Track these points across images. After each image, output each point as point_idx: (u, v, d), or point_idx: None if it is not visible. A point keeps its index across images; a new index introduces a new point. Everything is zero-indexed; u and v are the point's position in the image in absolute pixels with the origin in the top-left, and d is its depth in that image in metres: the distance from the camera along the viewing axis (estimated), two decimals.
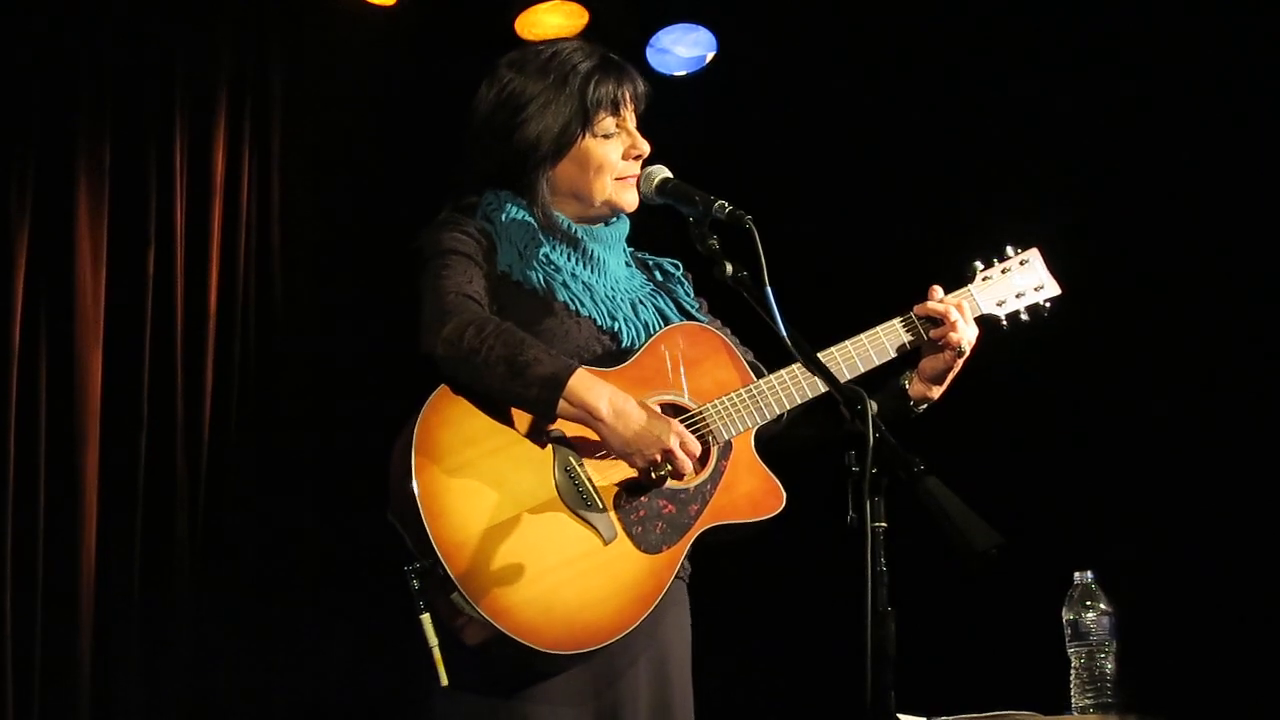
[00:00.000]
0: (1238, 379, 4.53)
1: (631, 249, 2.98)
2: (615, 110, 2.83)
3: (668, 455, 2.58)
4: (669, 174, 2.73)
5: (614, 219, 2.91)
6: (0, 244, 4.33)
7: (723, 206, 2.54)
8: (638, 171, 2.83)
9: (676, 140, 2.94)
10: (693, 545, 2.73)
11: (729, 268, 2.47)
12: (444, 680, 2.49)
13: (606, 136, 2.82)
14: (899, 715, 2.15)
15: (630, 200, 2.84)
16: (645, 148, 2.85)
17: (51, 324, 4.38)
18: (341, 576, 4.59)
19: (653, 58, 5.21)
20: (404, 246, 2.80)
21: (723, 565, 2.80)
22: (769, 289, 2.38)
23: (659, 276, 2.99)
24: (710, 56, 5.27)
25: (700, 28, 5.24)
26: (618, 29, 5.02)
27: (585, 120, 2.80)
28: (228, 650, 4.53)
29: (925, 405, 2.88)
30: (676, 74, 5.27)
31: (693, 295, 2.98)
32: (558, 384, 2.53)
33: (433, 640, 2.49)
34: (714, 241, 2.53)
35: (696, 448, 2.62)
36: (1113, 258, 4.64)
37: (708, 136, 4.91)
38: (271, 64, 4.94)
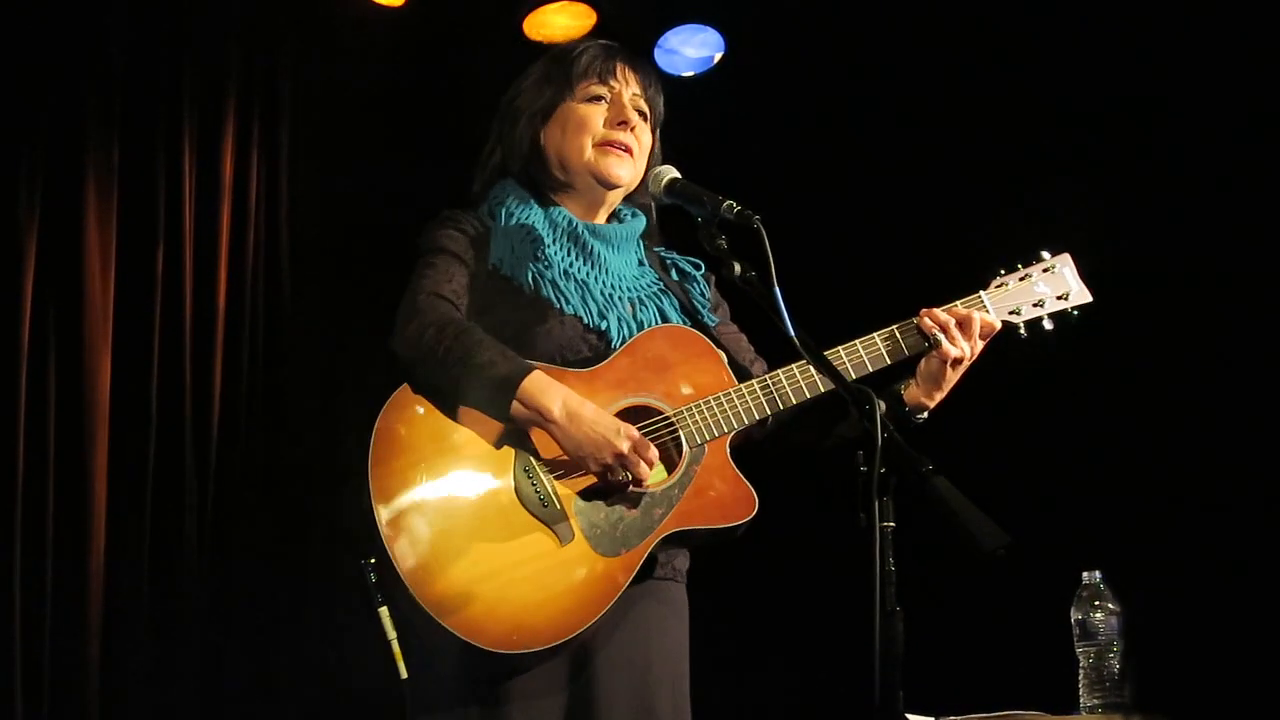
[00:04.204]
0: (1248, 377, 4.52)
1: (660, 248, 2.98)
2: (602, 79, 2.85)
3: (620, 459, 2.58)
4: (677, 174, 2.72)
5: (627, 214, 2.91)
6: (9, 243, 4.33)
7: (731, 206, 2.53)
8: (624, 141, 2.83)
9: (685, 140, 2.94)
10: (688, 549, 2.73)
11: (737, 268, 2.47)
12: (403, 673, 2.50)
13: (592, 100, 2.85)
14: (907, 715, 2.15)
15: (616, 172, 2.84)
16: (631, 117, 2.85)
17: (60, 323, 4.38)
18: (350, 576, 4.58)
19: (661, 58, 5.21)
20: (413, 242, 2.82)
21: (731, 565, 2.80)
22: (777, 289, 2.37)
23: (674, 276, 2.97)
24: (718, 57, 5.28)
25: (708, 28, 5.25)
26: (625, 29, 5.02)
27: (569, 82, 2.85)
28: (236, 649, 4.53)
29: (923, 414, 2.84)
30: (684, 74, 5.27)
31: (708, 296, 2.96)
32: (510, 385, 2.54)
33: (391, 633, 2.51)
34: (723, 241, 2.52)
35: (653, 454, 2.61)
36: (1123, 257, 4.63)
37: (716, 137, 4.90)
38: (280, 64, 4.95)
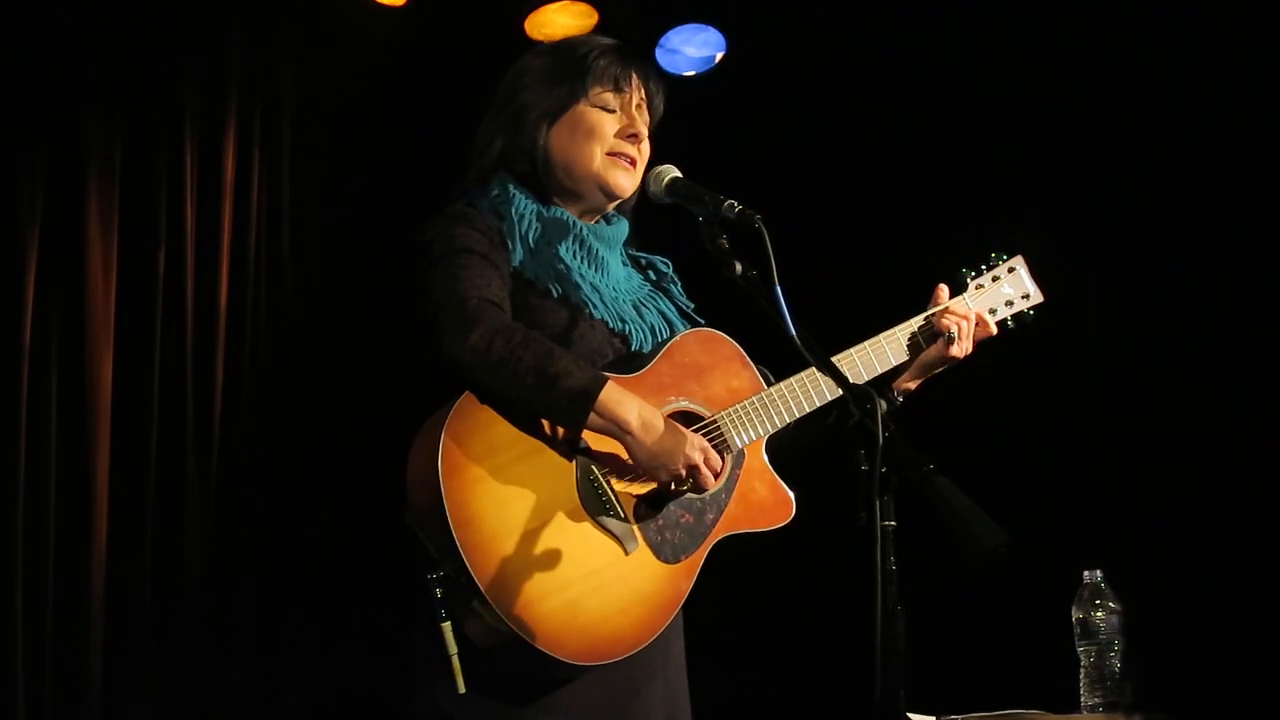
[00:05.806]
0: (1247, 378, 4.53)
1: (631, 248, 2.98)
2: (617, 87, 2.83)
3: (691, 470, 2.59)
4: (678, 173, 2.72)
5: (615, 218, 2.91)
6: (12, 246, 4.34)
7: (732, 206, 2.54)
8: (632, 154, 2.82)
9: (685, 140, 2.94)
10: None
11: (738, 267, 2.46)
12: (461, 688, 2.48)
13: (604, 109, 2.83)
14: (908, 714, 2.15)
15: (622, 183, 2.82)
16: (642, 130, 2.84)
17: (63, 325, 4.39)
18: (351, 577, 4.59)
19: (662, 58, 5.21)
20: (410, 236, 2.78)
21: (732, 564, 2.80)
22: (778, 288, 2.37)
23: (653, 276, 2.98)
24: (719, 56, 5.28)
25: (709, 28, 5.25)
26: (627, 29, 5.02)
27: (583, 86, 2.81)
28: (236, 650, 4.54)
29: (903, 398, 2.92)
30: (685, 74, 5.27)
31: (685, 295, 2.98)
32: (589, 397, 2.52)
33: (452, 648, 2.48)
34: (723, 240, 2.52)
35: (718, 463, 2.63)
36: (1122, 256, 4.64)
37: (717, 136, 4.90)
38: (281, 65, 4.95)
